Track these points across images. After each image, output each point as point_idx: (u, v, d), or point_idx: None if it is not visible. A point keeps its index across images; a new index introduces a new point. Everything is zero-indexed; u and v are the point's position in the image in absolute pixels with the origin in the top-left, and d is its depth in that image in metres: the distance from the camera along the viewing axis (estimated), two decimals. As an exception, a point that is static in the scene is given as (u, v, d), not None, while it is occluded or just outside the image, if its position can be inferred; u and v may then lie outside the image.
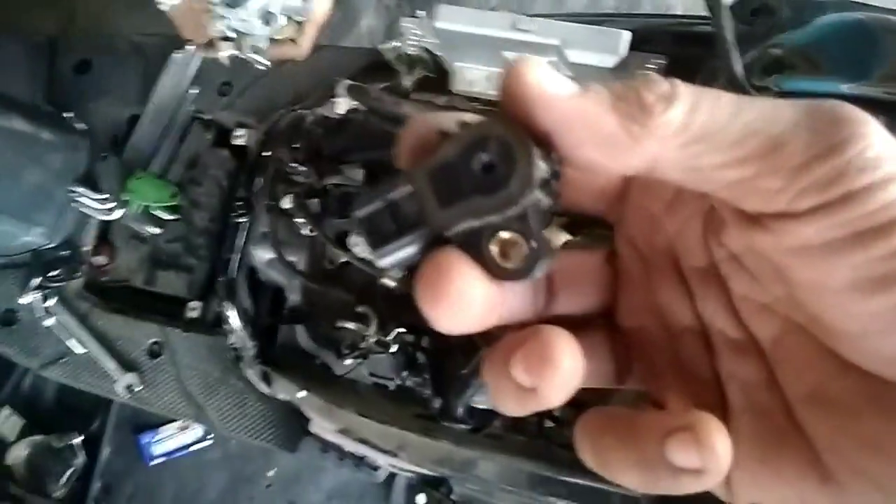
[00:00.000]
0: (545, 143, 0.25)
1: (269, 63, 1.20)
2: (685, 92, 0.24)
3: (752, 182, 0.24)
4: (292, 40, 1.19)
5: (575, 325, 0.31)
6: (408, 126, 0.28)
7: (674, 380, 0.30)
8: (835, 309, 0.24)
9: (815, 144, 0.23)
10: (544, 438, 0.98)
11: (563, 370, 0.25)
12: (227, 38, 1.15)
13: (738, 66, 0.64)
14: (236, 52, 1.17)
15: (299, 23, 1.16)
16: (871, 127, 0.23)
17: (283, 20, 1.12)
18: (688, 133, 0.24)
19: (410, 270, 0.28)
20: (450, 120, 0.27)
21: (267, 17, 1.08)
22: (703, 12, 0.82)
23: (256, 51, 1.15)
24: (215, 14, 1.04)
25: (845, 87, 0.68)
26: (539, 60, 0.25)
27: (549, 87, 0.25)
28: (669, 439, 0.24)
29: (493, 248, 0.25)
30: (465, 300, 0.25)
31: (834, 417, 0.25)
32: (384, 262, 0.28)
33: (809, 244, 0.23)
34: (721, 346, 0.29)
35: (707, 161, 0.24)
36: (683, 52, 0.85)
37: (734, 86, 0.64)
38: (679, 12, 2.05)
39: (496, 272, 0.26)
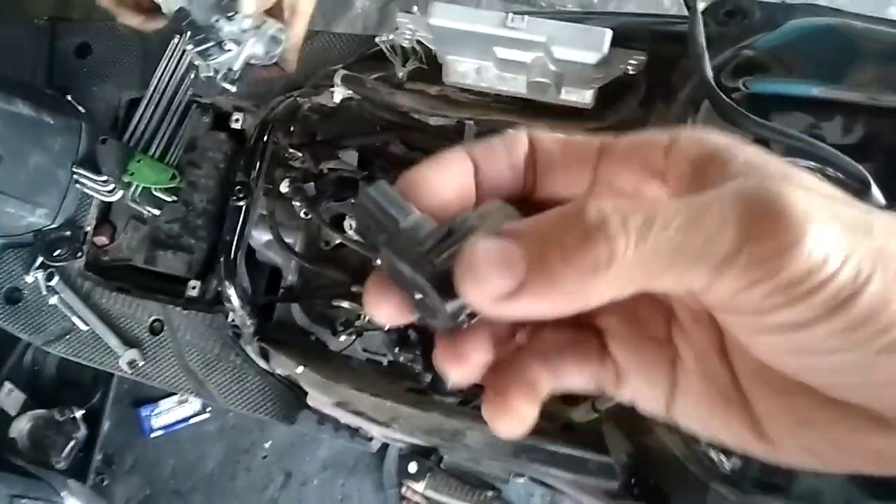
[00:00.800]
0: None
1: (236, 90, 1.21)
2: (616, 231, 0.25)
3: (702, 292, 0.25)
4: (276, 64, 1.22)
5: None
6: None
7: (629, 337, 0.33)
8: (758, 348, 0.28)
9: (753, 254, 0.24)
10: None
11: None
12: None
13: (707, 71, 0.69)
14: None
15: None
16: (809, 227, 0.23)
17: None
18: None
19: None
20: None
21: (227, 74, 1.11)
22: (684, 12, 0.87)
23: (228, 79, 1.17)
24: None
25: (816, 90, 0.73)
26: (483, 275, 0.26)
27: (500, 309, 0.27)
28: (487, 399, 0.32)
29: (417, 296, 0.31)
30: (385, 314, 0.32)
31: (772, 394, 0.30)
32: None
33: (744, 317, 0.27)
34: (680, 311, 0.33)
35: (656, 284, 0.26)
36: (662, 50, 0.90)
37: (704, 88, 0.69)
38: (665, 9, 2.10)
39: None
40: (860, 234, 0.24)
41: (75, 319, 1.37)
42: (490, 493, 1.14)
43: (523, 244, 0.26)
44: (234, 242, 1.28)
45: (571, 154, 0.33)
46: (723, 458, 0.73)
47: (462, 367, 0.31)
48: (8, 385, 1.94)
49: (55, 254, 1.39)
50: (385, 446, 1.95)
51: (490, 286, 0.26)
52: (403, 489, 2.04)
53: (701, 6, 0.76)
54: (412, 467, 1.14)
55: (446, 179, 0.32)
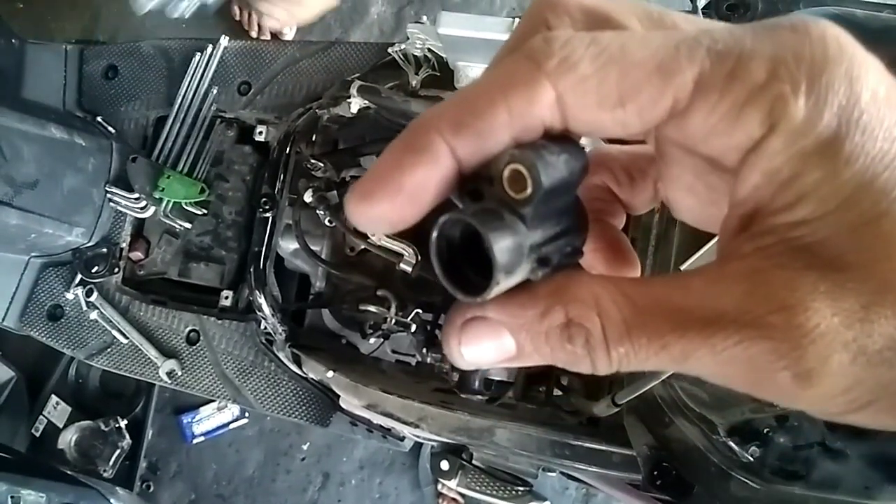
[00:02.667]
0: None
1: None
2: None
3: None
4: None
5: None
6: None
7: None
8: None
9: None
10: (552, 406, 1.06)
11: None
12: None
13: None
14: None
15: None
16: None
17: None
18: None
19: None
20: None
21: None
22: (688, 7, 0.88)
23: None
24: None
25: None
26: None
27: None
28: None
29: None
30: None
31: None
32: None
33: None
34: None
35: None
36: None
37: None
38: (668, 4, 2.10)
39: None
40: None
41: (115, 333, 1.42)
42: (521, 489, 1.16)
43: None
44: (263, 252, 1.32)
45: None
46: (742, 447, 0.74)
47: None
48: (54, 398, 2.02)
49: (93, 270, 1.44)
50: (419, 445, 1.98)
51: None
52: (440, 486, 2.07)
53: (702, 2, 0.77)
54: (444, 465, 1.16)
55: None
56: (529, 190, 0.26)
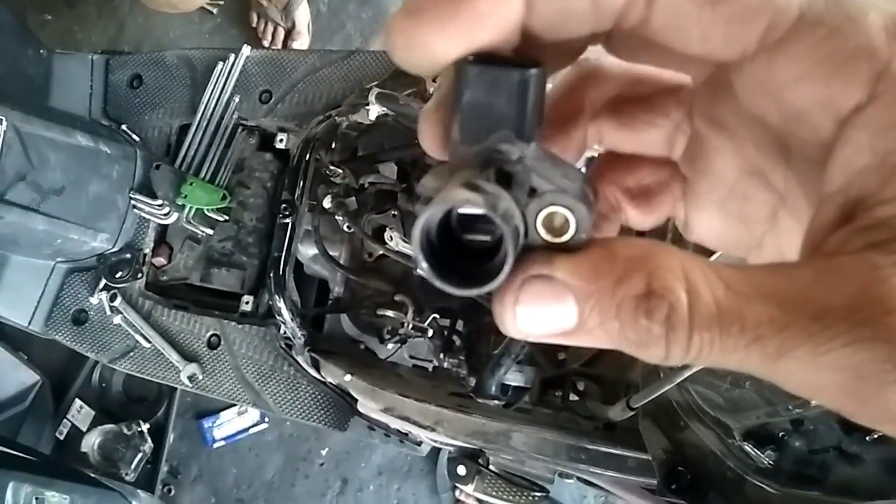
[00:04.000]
0: None
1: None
2: None
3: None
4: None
5: None
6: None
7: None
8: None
9: None
10: (568, 410, 1.06)
11: None
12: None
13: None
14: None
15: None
16: None
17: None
18: None
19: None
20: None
21: None
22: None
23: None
24: None
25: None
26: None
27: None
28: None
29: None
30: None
31: None
32: None
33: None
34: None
35: None
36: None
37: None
38: None
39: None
40: None
41: (138, 337, 1.45)
42: (538, 495, 1.16)
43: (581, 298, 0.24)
44: (283, 258, 1.34)
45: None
46: (758, 451, 0.74)
47: None
48: (78, 402, 2.05)
49: (117, 276, 1.46)
50: (437, 451, 1.98)
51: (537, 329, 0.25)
52: (457, 492, 2.07)
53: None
54: (461, 470, 1.16)
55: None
56: (569, 231, 0.24)
